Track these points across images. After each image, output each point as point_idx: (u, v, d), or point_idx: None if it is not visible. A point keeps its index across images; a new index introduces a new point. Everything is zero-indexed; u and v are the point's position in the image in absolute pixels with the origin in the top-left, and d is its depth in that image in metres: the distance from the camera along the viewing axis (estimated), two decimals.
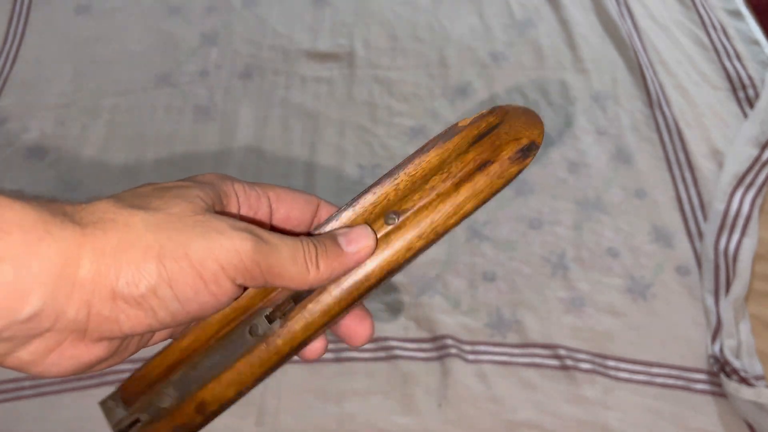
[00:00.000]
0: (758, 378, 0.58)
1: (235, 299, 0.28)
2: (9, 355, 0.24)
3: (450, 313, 0.64)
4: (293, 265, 0.27)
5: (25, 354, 0.24)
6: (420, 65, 0.85)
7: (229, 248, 0.25)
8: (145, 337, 0.29)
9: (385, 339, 0.63)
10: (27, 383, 0.60)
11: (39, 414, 0.59)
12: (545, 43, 0.87)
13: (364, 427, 0.58)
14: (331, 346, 0.62)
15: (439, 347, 0.62)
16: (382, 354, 0.62)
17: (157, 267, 0.24)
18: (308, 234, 0.30)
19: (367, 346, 0.62)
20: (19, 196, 0.23)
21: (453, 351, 0.62)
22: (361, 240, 0.29)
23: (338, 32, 0.89)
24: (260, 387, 0.60)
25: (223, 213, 0.28)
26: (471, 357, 0.62)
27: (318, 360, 0.61)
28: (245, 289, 0.28)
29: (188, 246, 0.25)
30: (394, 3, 0.92)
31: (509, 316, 0.65)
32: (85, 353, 0.25)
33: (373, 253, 0.30)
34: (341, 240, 0.29)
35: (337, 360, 0.62)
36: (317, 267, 0.28)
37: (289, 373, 0.61)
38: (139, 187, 0.27)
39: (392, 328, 0.63)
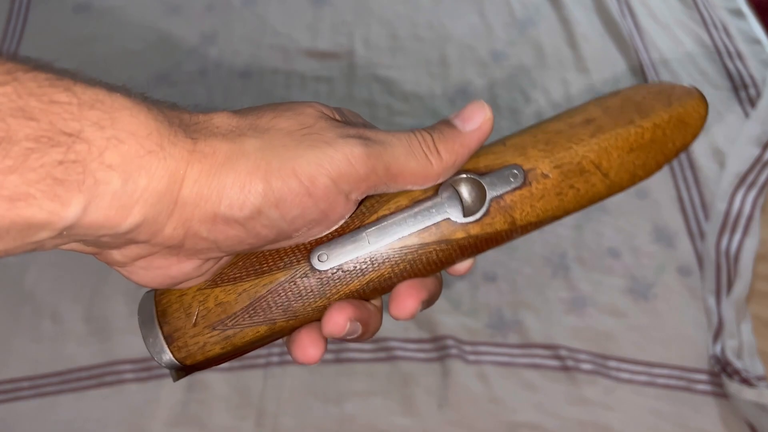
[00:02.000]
0: (760, 378, 0.58)
1: (347, 217, 0.26)
2: (101, 253, 0.24)
3: (451, 313, 0.64)
4: (412, 159, 0.25)
5: (117, 254, 0.24)
6: (420, 64, 0.85)
7: (340, 159, 0.23)
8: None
9: (386, 339, 0.62)
10: (26, 384, 0.60)
11: (38, 414, 0.58)
12: (546, 42, 0.87)
13: (364, 428, 0.58)
14: (331, 346, 0.62)
15: (440, 348, 0.62)
16: (382, 354, 0.62)
17: (263, 188, 0.23)
18: None
19: (367, 346, 0.62)
20: (139, 99, 0.22)
21: (453, 351, 0.61)
22: (476, 115, 0.27)
23: (338, 31, 0.88)
24: (260, 388, 0.60)
25: (336, 120, 0.26)
26: (472, 357, 0.62)
27: (318, 362, 0.61)
28: (360, 204, 0.26)
29: (296, 161, 0.23)
30: (394, 2, 0.92)
31: (510, 317, 0.64)
32: (174, 267, 0.25)
33: (492, 126, 0.27)
34: (456, 121, 0.27)
35: (338, 361, 0.61)
36: (438, 155, 0.26)
37: (288, 373, 0.60)
38: (259, 106, 0.25)
39: (392, 329, 0.63)
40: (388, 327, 0.63)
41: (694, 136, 0.29)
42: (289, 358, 0.61)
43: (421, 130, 0.26)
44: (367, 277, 0.27)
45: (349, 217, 0.26)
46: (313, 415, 0.58)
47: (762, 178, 0.70)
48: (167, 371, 0.60)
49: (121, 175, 0.20)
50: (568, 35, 0.87)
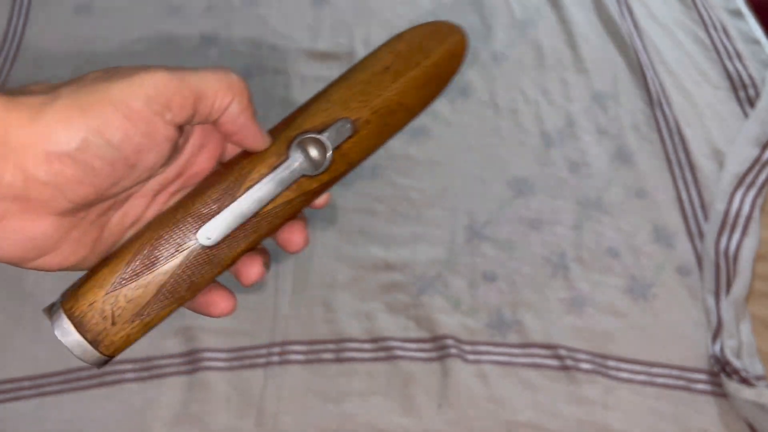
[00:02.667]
0: (759, 378, 0.58)
1: (174, 143, 0.29)
2: None
3: (450, 313, 0.64)
4: (216, 80, 0.28)
5: None
6: None
7: (148, 82, 0.26)
8: (111, 221, 0.30)
9: (385, 339, 0.63)
10: (26, 383, 0.60)
11: (39, 414, 0.58)
12: (545, 43, 0.87)
13: (364, 428, 0.58)
14: (331, 346, 0.62)
15: (440, 347, 0.62)
16: (382, 354, 0.62)
17: (84, 119, 0.25)
18: None
19: (367, 346, 0.62)
20: None
21: (453, 351, 0.61)
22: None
23: (338, 31, 0.88)
24: (260, 387, 0.61)
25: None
26: (471, 357, 0.62)
27: (318, 360, 0.61)
28: (181, 131, 0.29)
29: (108, 92, 0.25)
30: (394, 2, 0.92)
31: (509, 316, 0.64)
32: (30, 226, 0.26)
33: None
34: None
35: (337, 360, 0.62)
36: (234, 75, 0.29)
37: (289, 373, 0.61)
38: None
39: (392, 328, 0.63)
40: (387, 327, 0.64)
41: (461, 63, 0.39)
42: (289, 357, 0.61)
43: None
44: (250, 238, 0.32)
45: (222, 194, 0.31)
46: (313, 414, 0.58)
47: (761, 178, 0.70)
48: (167, 370, 0.60)
49: None
50: (567, 36, 0.87)
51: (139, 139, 0.26)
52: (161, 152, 0.28)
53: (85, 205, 0.27)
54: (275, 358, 0.61)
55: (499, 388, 0.60)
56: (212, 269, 0.31)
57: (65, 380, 0.60)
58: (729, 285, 0.64)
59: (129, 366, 0.61)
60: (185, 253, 0.30)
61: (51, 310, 0.30)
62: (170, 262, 0.30)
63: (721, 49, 0.85)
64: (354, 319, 0.64)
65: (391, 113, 0.35)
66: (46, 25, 0.90)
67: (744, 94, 0.80)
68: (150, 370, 0.60)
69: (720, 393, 0.60)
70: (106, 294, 0.29)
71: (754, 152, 0.72)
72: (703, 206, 0.71)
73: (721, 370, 0.60)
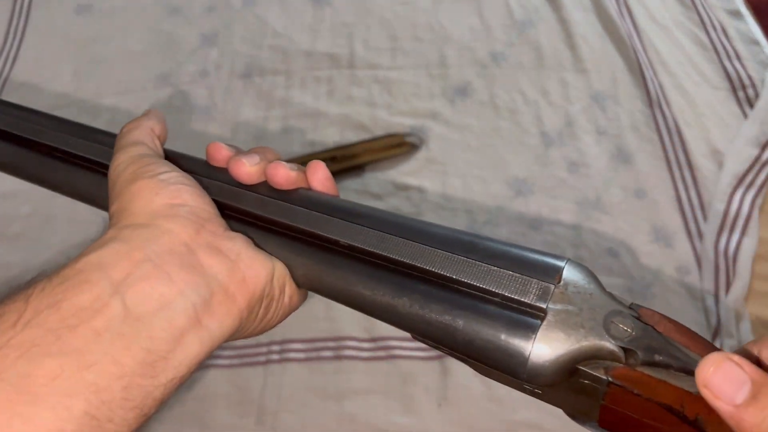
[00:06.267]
0: None
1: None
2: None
3: None
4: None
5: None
6: (420, 65, 0.85)
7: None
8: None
9: (385, 338, 0.63)
10: None
11: None
12: (545, 43, 0.87)
13: (363, 427, 0.58)
14: (331, 344, 0.62)
15: None
16: (381, 353, 0.62)
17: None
18: None
19: (367, 345, 0.62)
20: None
21: None
22: None
23: (338, 32, 0.89)
24: (260, 386, 0.61)
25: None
26: None
27: (318, 359, 0.62)
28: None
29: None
30: (393, 3, 0.92)
31: None
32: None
33: None
34: None
35: (337, 358, 0.62)
36: None
37: (288, 371, 0.61)
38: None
39: (392, 328, 0.63)
40: (387, 326, 0.63)
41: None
42: (289, 355, 0.62)
43: None
44: None
45: None
46: (313, 412, 0.58)
47: (760, 179, 0.70)
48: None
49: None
50: (566, 36, 0.88)
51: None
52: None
53: None
54: (275, 357, 0.61)
55: (499, 388, 0.60)
56: None
57: None
58: (728, 285, 0.64)
59: None
60: None
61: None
62: None
63: (721, 50, 0.85)
64: (354, 318, 0.64)
65: None
66: (47, 25, 0.90)
67: (743, 94, 0.80)
68: None
69: None
70: None
71: (754, 152, 0.72)
72: (702, 206, 0.71)
73: None
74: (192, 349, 0.26)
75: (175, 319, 0.25)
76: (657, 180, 0.74)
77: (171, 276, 0.26)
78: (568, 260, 0.28)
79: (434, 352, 0.62)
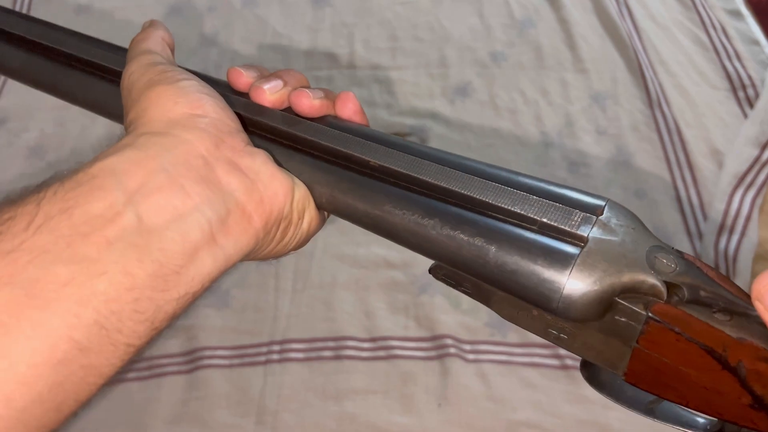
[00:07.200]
0: None
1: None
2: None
3: (450, 312, 0.64)
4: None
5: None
6: (420, 65, 0.85)
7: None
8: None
9: (385, 338, 0.63)
10: None
11: None
12: (545, 43, 0.87)
13: (363, 426, 0.58)
14: (331, 344, 0.63)
15: (439, 346, 0.62)
16: (381, 353, 0.62)
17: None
18: None
19: (367, 345, 0.62)
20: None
21: (453, 350, 0.62)
22: None
23: (338, 32, 0.89)
24: (260, 385, 0.61)
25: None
26: (471, 356, 0.62)
27: (318, 359, 0.62)
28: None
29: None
30: (394, 3, 0.92)
31: None
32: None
33: None
34: None
35: (337, 358, 0.62)
36: None
37: (288, 371, 0.61)
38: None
39: (392, 327, 0.63)
40: (387, 326, 0.64)
41: None
42: (289, 355, 0.62)
43: None
44: None
45: None
46: (313, 412, 0.58)
47: (760, 179, 0.70)
48: (167, 369, 0.60)
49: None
50: (566, 36, 0.88)
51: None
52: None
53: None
54: (275, 356, 0.61)
55: (499, 387, 0.60)
56: None
57: None
58: None
59: (130, 365, 0.61)
60: None
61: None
62: None
63: (721, 50, 0.85)
64: (354, 318, 0.64)
65: None
66: None
67: (743, 94, 0.80)
68: (150, 369, 0.61)
69: None
70: None
71: (754, 152, 0.72)
72: (702, 206, 0.71)
73: None
74: (205, 265, 0.25)
75: (189, 233, 0.25)
76: (657, 180, 0.74)
77: (186, 189, 0.25)
78: (609, 200, 0.27)
79: (434, 352, 0.62)
